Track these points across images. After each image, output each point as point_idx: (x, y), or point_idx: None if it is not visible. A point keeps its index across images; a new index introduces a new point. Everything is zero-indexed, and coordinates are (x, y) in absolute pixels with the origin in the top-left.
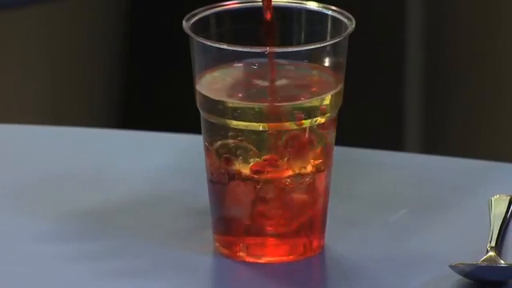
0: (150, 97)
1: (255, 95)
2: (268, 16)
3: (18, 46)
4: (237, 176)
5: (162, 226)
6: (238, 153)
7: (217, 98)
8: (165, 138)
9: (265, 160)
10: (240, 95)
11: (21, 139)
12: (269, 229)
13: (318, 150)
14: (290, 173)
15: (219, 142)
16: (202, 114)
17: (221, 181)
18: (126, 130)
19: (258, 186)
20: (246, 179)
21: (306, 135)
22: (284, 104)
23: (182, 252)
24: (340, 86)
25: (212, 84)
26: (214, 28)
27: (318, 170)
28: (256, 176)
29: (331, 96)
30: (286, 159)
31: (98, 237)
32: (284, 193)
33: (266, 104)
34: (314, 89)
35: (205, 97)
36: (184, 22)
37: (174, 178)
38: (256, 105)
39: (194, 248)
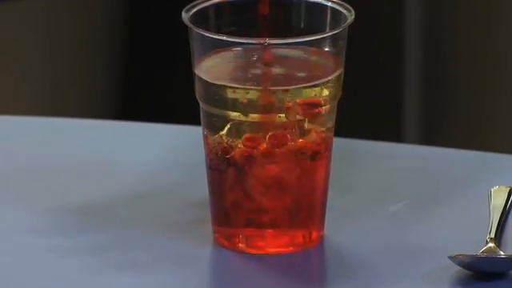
0: (149, 88)
1: (253, 80)
2: (264, 9)
3: (16, 39)
4: (235, 162)
5: (160, 218)
6: (237, 138)
7: (215, 82)
8: (163, 129)
9: (263, 146)
10: (238, 79)
11: (18, 131)
12: (268, 219)
13: (317, 138)
14: (289, 160)
15: (218, 128)
16: (201, 104)
17: (219, 167)
18: (123, 121)
19: (257, 173)
20: (244, 165)
21: (305, 124)
22: (282, 88)
23: (181, 244)
24: (339, 71)
25: (211, 69)
26: (213, 19)
27: (316, 158)
28: (255, 162)
29: (330, 83)
30: (284, 146)
31: (95, 229)
32: (283, 180)
33: (262, 89)
34: (312, 74)
35: (203, 81)
36: (183, 13)
37: (172, 170)
38: (254, 89)
39: (194, 239)
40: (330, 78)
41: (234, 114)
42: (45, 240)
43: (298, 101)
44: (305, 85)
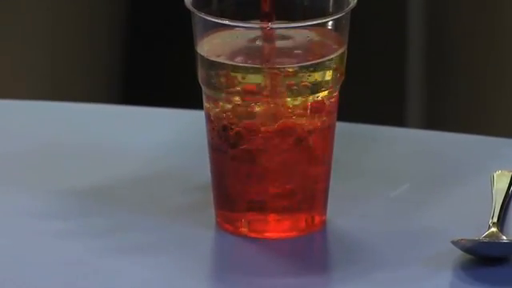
0: (151, 72)
1: (254, 58)
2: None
3: (18, 23)
4: (236, 143)
5: (162, 202)
6: (238, 119)
7: (216, 60)
8: (166, 113)
9: (264, 128)
10: (239, 57)
11: (19, 115)
12: (270, 203)
13: (320, 122)
14: (291, 143)
15: (219, 107)
16: (203, 84)
17: (221, 147)
18: (126, 105)
19: (258, 156)
20: (245, 147)
21: (308, 107)
22: (285, 66)
23: (183, 228)
24: (343, 49)
25: (212, 47)
26: (216, 3)
27: (319, 142)
28: (255, 145)
29: (334, 62)
30: (286, 129)
31: (97, 213)
32: (285, 162)
33: (264, 67)
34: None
35: (204, 60)
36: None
37: (174, 154)
38: (254, 67)
39: (196, 223)
40: (333, 56)
41: (235, 93)
42: (46, 223)
43: (300, 82)
44: (307, 63)
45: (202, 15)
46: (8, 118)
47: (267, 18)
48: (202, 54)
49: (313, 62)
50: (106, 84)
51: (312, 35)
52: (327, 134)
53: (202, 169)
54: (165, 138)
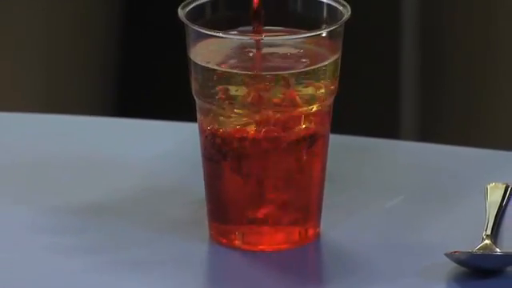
0: (146, 85)
1: (246, 65)
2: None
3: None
4: (229, 154)
5: (157, 215)
6: (230, 129)
7: (207, 66)
8: (161, 126)
9: (257, 139)
10: (231, 65)
11: (16, 128)
12: (264, 216)
13: (313, 133)
14: (284, 155)
15: (212, 117)
16: (196, 96)
17: (214, 157)
18: (122, 118)
19: (251, 165)
20: (239, 156)
21: (301, 123)
22: (277, 73)
23: (178, 241)
24: (337, 56)
25: (204, 54)
26: (209, 15)
27: (312, 154)
28: (249, 152)
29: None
30: (279, 140)
31: (93, 227)
32: (278, 174)
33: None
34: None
35: (197, 67)
36: (179, 10)
37: (169, 167)
38: (246, 73)
39: (190, 236)
40: (327, 62)
41: (226, 102)
42: (43, 238)
43: (292, 91)
44: (299, 70)
45: (195, 27)
46: (3, 130)
47: (257, 19)
48: (193, 59)
49: (305, 69)
50: (101, 97)
51: (305, 44)
52: (321, 145)
53: (196, 182)
54: (159, 151)
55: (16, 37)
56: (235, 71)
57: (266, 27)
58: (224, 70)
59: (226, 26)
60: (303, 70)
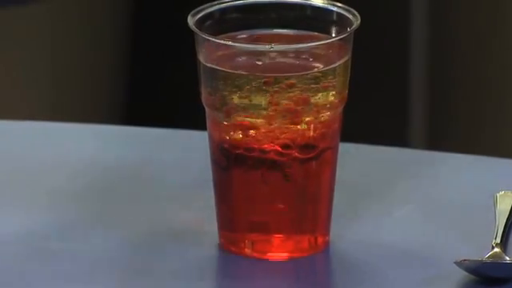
0: (154, 93)
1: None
2: None
3: (20, 43)
4: (238, 161)
5: (167, 223)
6: (239, 135)
7: (217, 67)
8: (171, 134)
9: (267, 144)
10: (242, 68)
11: (22, 135)
12: (273, 224)
13: (323, 142)
14: (293, 163)
15: (219, 126)
16: (205, 102)
17: (224, 166)
18: (129, 126)
19: (261, 173)
20: (248, 164)
21: (311, 131)
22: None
23: (187, 249)
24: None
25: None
26: (218, 13)
27: (322, 163)
28: (257, 160)
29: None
30: (288, 148)
31: (99, 234)
32: (287, 182)
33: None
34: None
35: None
36: (189, 18)
37: (178, 175)
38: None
39: (200, 245)
40: (336, 64)
41: (234, 109)
42: (50, 244)
43: (302, 98)
44: (308, 72)
45: (206, 36)
46: (10, 138)
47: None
48: (202, 64)
49: (315, 71)
50: (109, 105)
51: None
52: (330, 153)
53: (205, 190)
54: (170, 159)
55: (21, 48)
56: (244, 77)
57: (276, 30)
58: (233, 74)
59: (235, 28)
60: (312, 73)
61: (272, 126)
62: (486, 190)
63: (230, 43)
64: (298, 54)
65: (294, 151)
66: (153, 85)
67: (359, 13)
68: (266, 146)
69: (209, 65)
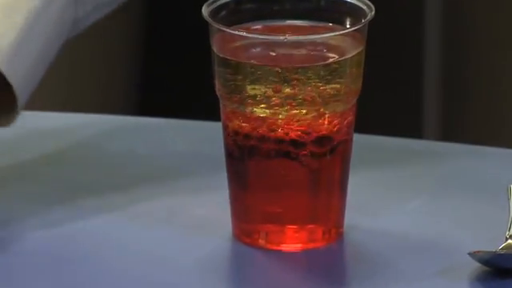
0: (168, 85)
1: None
2: None
3: None
4: (252, 152)
5: (181, 214)
6: (253, 125)
7: (232, 58)
8: (183, 124)
9: (281, 134)
10: (256, 58)
11: (36, 125)
12: (287, 214)
13: (336, 133)
14: (308, 153)
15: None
16: (219, 92)
17: (238, 157)
18: (145, 117)
19: (274, 164)
20: (261, 155)
21: (325, 122)
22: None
23: (201, 240)
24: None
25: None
26: (233, 3)
27: (336, 154)
28: (271, 151)
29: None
30: (301, 138)
31: (115, 224)
32: (301, 172)
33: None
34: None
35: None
36: (204, 8)
37: (192, 165)
38: (270, 69)
39: (214, 236)
40: (351, 55)
41: (249, 101)
42: (60, 230)
43: (317, 89)
44: (323, 63)
45: (220, 27)
46: (28, 128)
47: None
48: (216, 55)
49: (330, 61)
50: (123, 96)
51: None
52: (344, 145)
53: (219, 180)
54: (184, 150)
55: None
56: (258, 67)
57: (290, 21)
58: (247, 64)
59: (249, 19)
60: (327, 64)
61: (286, 117)
62: (500, 181)
63: (244, 34)
64: (312, 44)
65: (309, 142)
66: (167, 77)
67: (373, 4)
68: (279, 136)
69: (222, 55)
